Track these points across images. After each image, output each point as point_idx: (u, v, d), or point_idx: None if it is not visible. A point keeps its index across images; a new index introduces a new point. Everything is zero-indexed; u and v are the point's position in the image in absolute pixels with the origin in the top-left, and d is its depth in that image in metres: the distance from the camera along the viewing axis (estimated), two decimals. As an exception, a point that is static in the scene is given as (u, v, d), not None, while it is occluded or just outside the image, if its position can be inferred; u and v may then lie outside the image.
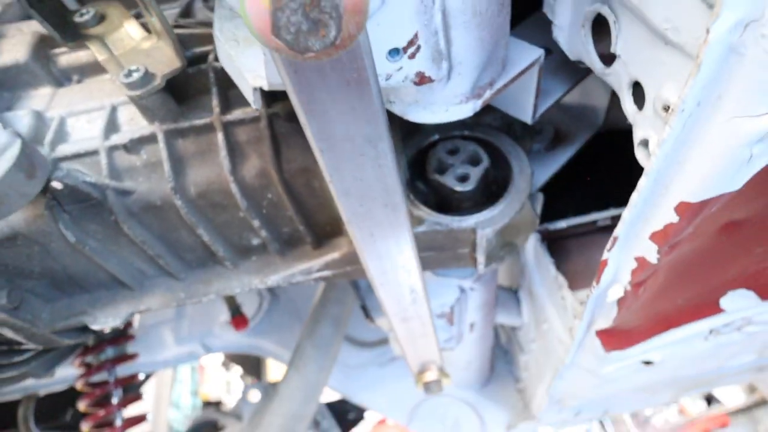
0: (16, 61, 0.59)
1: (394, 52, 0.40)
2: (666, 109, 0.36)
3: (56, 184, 0.52)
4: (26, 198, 0.48)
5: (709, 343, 0.77)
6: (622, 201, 0.81)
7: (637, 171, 0.46)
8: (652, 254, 0.47)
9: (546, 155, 0.78)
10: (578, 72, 0.65)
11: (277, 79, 0.40)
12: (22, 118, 0.57)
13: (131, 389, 1.43)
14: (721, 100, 0.32)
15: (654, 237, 0.45)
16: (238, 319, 1.24)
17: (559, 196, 0.81)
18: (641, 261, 0.49)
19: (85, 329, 0.71)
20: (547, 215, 0.80)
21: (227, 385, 4.09)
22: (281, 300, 1.53)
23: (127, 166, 0.56)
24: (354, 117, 0.34)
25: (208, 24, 0.65)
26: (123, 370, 1.29)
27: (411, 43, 0.39)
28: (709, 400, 3.13)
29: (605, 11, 0.41)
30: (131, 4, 0.65)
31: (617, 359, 0.75)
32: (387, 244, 0.48)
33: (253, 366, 3.18)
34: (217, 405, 3.87)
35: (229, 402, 3.85)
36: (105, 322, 0.65)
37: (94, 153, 0.55)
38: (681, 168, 0.38)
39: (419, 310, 0.63)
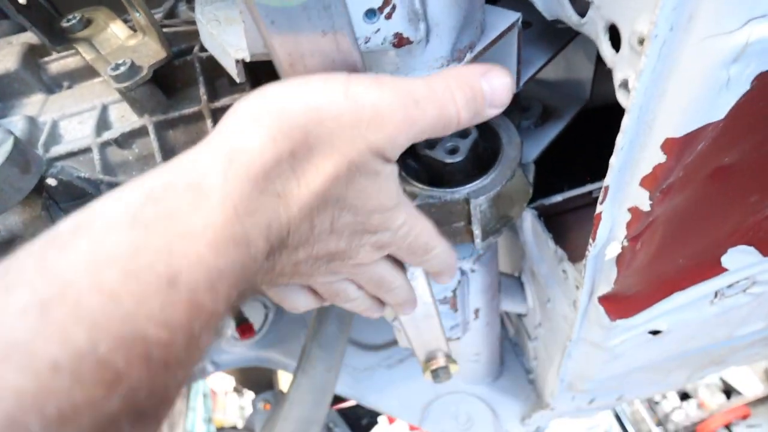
0: (6, 71, 0.60)
1: (371, 14, 0.40)
2: (641, 42, 0.36)
3: (51, 181, 0.53)
4: (21, 193, 0.48)
5: (716, 308, 0.76)
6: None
7: None
8: (644, 202, 0.47)
9: (535, 131, 0.78)
10: (558, 41, 0.66)
11: (258, 47, 0.41)
12: (15, 123, 0.58)
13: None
14: (693, 20, 0.32)
15: (644, 182, 0.45)
16: (243, 327, 1.23)
17: (554, 172, 0.82)
18: (635, 211, 0.49)
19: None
20: (543, 191, 0.80)
21: (240, 411, 4.05)
22: (286, 310, 1.53)
23: (119, 161, 0.57)
24: (333, 69, 0.35)
25: (192, 23, 0.67)
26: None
27: (386, 2, 0.40)
28: (728, 393, 3.08)
29: (575, -41, 0.42)
30: (118, 9, 0.67)
31: (624, 329, 0.74)
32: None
33: (266, 389, 3.15)
34: (232, 430, 3.83)
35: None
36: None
37: (86, 150, 0.56)
38: (661, 101, 0.38)
39: (419, 289, 0.63)
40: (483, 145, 0.64)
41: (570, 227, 0.83)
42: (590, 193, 0.80)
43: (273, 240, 0.32)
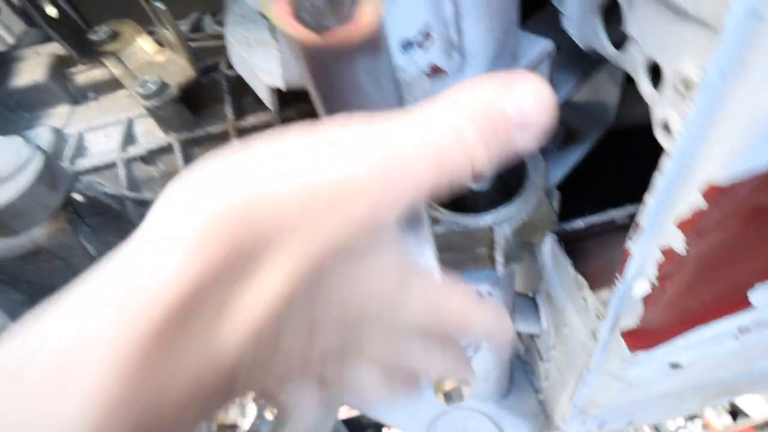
0: (34, 82, 0.60)
1: (408, 45, 0.40)
2: (686, 85, 0.35)
3: (77, 197, 0.53)
4: (48, 209, 0.48)
5: (739, 343, 0.75)
6: (639, 198, 0.80)
7: (653, 167, 0.45)
8: (679, 244, 0.46)
9: (559, 154, 0.77)
10: (587, 67, 0.65)
11: (294, 77, 0.40)
12: (42, 135, 0.58)
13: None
14: (745, 68, 0.31)
15: (681, 225, 0.44)
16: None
17: (575, 196, 0.80)
18: (668, 252, 0.48)
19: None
20: (564, 216, 0.79)
21: (241, 409, 4.05)
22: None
23: (145, 177, 0.56)
24: (371, 103, 0.34)
25: (218, 37, 0.66)
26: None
27: (423, 34, 0.39)
28: (735, 414, 3.03)
29: (616, -5, 0.41)
30: (143, 21, 0.67)
31: (644, 361, 0.73)
32: (407, 243, 0.48)
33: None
34: (232, 428, 3.83)
35: (244, 425, 3.81)
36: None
37: (112, 165, 0.56)
38: (706, 146, 0.37)
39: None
40: (508, 171, 0.63)
41: (590, 253, 0.82)
42: (613, 220, 0.78)
43: (202, 402, 0.23)
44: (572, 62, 0.65)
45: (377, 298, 0.28)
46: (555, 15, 0.54)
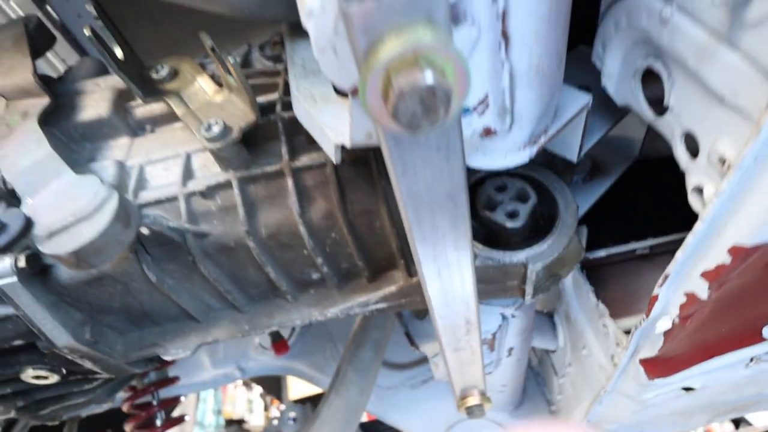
0: (99, 116, 0.64)
1: (466, 112, 0.44)
2: (722, 161, 0.39)
3: (144, 230, 0.57)
4: (123, 246, 0.53)
5: (750, 370, 0.79)
6: (660, 229, 0.84)
7: (674, 199, 0.48)
8: (702, 291, 0.50)
9: (585, 186, 0.81)
10: (620, 110, 0.68)
11: (360, 138, 0.44)
12: (107, 168, 0.62)
13: (170, 411, 1.47)
14: (777, 157, 0.35)
15: (705, 275, 0.48)
16: (279, 344, 1.27)
17: (597, 225, 0.84)
18: (691, 297, 0.52)
19: (152, 359, 0.75)
20: (587, 244, 0.83)
21: (249, 404, 4.12)
22: (313, 324, 1.57)
23: (203, 211, 0.61)
24: (440, 177, 0.38)
25: (268, 73, 0.70)
26: (164, 393, 1.33)
27: (481, 102, 0.43)
28: (737, 422, 3.06)
29: (658, 67, 0.45)
30: (195, 50, 0.71)
31: (659, 386, 0.77)
32: (452, 280, 0.52)
33: (273, 385, 3.21)
34: (239, 423, 3.90)
35: (252, 420, 3.87)
36: (176, 353, 0.69)
37: (173, 199, 0.60)
38: (736, 215, 0.41)
39: (471, 341, 0.66)
40: (540, 208, 0.67)
41: (610, 279, 0.86)
42: (633, 250, 0.82)
43: None
44: (606, 105, 0.69)
45: None
46: (588, 54, 0.57)
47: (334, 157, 0.47)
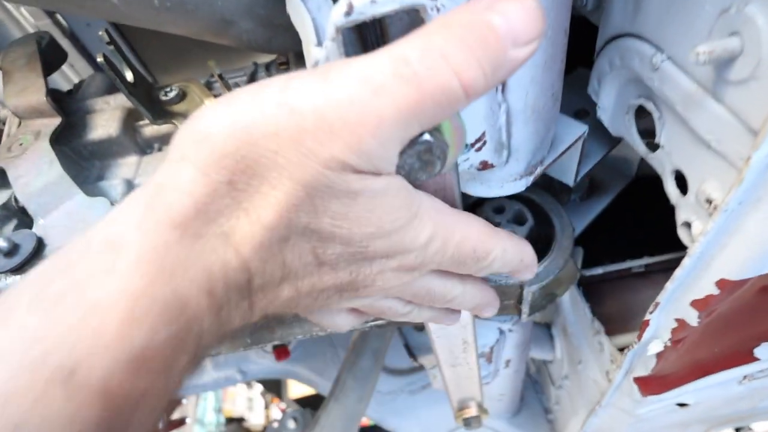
0: (109, 136, 0.66)
1: (464, 148, 0.45)
2: (708, 201, 0.41)
3: (151, 250, 0.59)
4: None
5: (743, 387, 0.80)
6: (655, 248, 0.85)
7: (669, 217, 0.50)
8: (692, 319, 0.52)
9: (582, 205, 0.82)
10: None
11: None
12: (116, 187, 0.64)
13: (169, 413, 1.49)
14: (761, 201, 0.37)
15: (695, 304, 0.50)
16: (280, 350, 1.29)
17: (594, 243, 0.86)
18: (681, 323, 0.54)
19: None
20: (583, 262, 0.85)
21: (249, 402, 4.15)
22: (314, 337, 1.59)
23: (209, 230, 0.62)
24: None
25: (274, 94, 0.72)
26: (168, 397, 1.35)
27: (478, 139, 0.45)
28: (738, 428, 3.07)
29: (650, 107, 0.46)
30: (203, 61, 0.72)
31: (653, 402, 0.78)
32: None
33: (273, 384, 3.24)
34: (239, 421, 3.92)
35: (252, 418, 3.90)
36: (180, 366, 0.71)
37: (179, 218, 0.62)
38: (722, 252, 0.42)
39: (468, 358, 0.68)
40: (537, 230, 0.68)
41: (606, 295, 0.87)
42: (629, 268, 0.84)
43: (221, 291, 0.27)
44: (602, 129, 0.70)
45: (382, 240, 0.30)
46: (586, 78, 0.58)
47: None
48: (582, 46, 0.56)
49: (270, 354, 1.51)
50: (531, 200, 0.71)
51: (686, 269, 0.45)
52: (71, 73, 1.09)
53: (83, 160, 0.68)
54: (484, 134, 0.45)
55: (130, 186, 0.65)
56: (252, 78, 0.77)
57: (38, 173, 0.58)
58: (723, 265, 0.43)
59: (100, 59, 0.56)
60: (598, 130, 0.70)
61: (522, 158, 0.50)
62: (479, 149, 0.46)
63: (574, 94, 0.67)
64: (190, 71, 0.92)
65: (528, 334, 0.93)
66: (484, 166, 0.48)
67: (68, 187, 0.57)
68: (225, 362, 1.59)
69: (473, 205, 0.72)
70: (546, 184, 0.75)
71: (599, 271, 0.83)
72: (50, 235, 0.54)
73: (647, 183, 0.90)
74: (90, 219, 0.54)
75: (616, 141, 0.70)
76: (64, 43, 1.15)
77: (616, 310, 0.84)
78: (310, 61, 0.35)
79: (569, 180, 0.65)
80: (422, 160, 0.31)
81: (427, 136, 0.29)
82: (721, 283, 0.45)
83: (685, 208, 0.45)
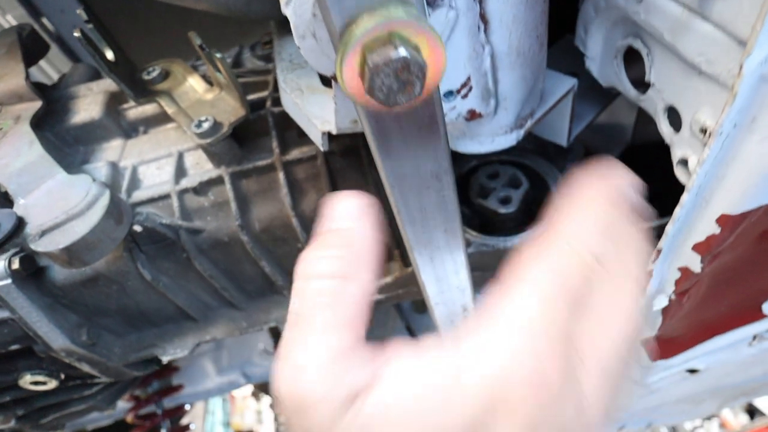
0: (91, 119, 0.65)
1: (449, 95, 0.44)
2: (703, 131, 0.39)
3: (137, 227, 0.58)
4: (115, 242, 0.53)
5: (754, 349, 0.78)
6: (654, 213, 0.84)
7: (666, 182, 0.49)
8: (695, 264, 0.50)
9: (577, 173, 0.81)
10: (607, 95, 0.69)
11: (345, 124, 0.45)
12: (100, 169, 0.63)
13: (175, 420, 1.46)
14: (756, 122, 0.35)
15: (696, 248, 0.48)
16: (281, 346, 1.27)
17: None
18: (685, 271, 0.52)
19: (151, 361, 0.76)
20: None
21: (258, 415, 4.10)
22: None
23: (196, 207, 0.61)
24: (424, 156, 0.39)
25: (259, 72, 0.71)
26: (169, 402, 1.33)
27: (464, 85, 0.44)
28: (752, 413, 3.04)
29: (638, 45, 0.45)
30: (188, 56, 0.72)
31: (662, 368, 0.76)
32: (445, 266, 0.52)
33: (282, 395, 3.19)
34: (248, 435, 3.86)
35: (261, 431, 3.85)
36: (174, 353, 0.69)
37: (166, 197, 0.61)
38: (720, 184, 0.41)
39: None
40: (533, 194, 0.67)
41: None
42: (630, 234, 0.82)
43: None
44: (593, 90, 0.69)
45: None
46: (573, 45, 0.58)
47: (321, 145, 0.47)
48: (568, 12, 0.55)
49: (273, 356, 1.49)
50: (526, 166, 0.70)
51: (686, 207, 0.44)
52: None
53: (67, 146, 0.67)
54: (469, 79, 0.43)
55: (114, 168, 0.64)
56: (237, 60, 0.76)
57: (18, 154, 0.57)
58: (722, 198, 0.42)
59: (77, 34, 0.55)
60: (588, 92, 0.69)
61: (511, 108, 0.49)
62: (465, 96, 0.44)
63: (563, 61, 0.66)
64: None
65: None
66: (472, 115, 0.46)
67: (49, 166, 0.56)
68: (229, 367, 1.57)
69: (467, 174, 0.70)
70: (540, 149, 0.74)
71: (599, 239, 0.81)
72: (31, 214, 0.53)
73: (643, 150, 0.89)
74: (71, 197, 0.53)
75: (607, 101, 0.69)
76: (53, 50, 1.14)
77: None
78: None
79: (562, 140, 0.64)
80: (399, 79, 0.29)
81: (402, 51, 0.28)
82: (722, 220, 0.44)
83: (680, 145, 0.44)
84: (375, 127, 0.35)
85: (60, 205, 0.52)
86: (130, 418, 1.25)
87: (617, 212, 0.27)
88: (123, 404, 1.27)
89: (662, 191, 0.55)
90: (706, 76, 0.38)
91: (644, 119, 0.89)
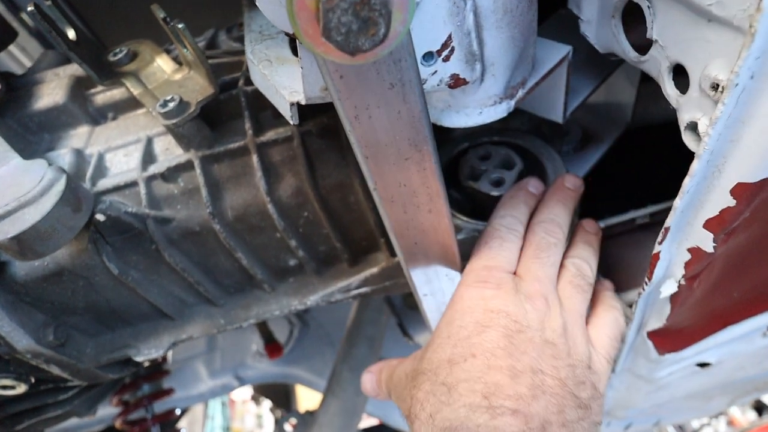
0: (55, 104, 0.61)
1: (429, 56, 0.40)
2: (715, 87, 0.35)
3: (99, 216, 0.53)
4: (73, 231, 0.49)
5: (767, 340, 0.73)
6: (659, 197, 0.79)
7: (671, 165, 0.44)
8: (707, 243, 0.45)
9: (576, 156, 0.77)
10: (605, 68, 0.64)
11: (315, 92, 0.40)
12: (63, 156, 0.59)
13: (168, 426, 1.42)
14: (776, 70, 0.31)
15: (709, 224, 0.44)
16: (272, 347, 1.23)
17: (593, 197, 0.80)
18: (696, 252, 0.47)
19: (126, 363, 0.71)
20: (582, 217, 0.78)
21: (258, 419, 4.06)
22: (311, 326, 1.52)
23: (165, 195, 0.57)
24: (398, 121, 0.34)
25: (234, 53, 0.67)
26: (160, 406, 1.29)
27: (445, 45, 0.39)
28: (760, 409, 2.99)
29: (637, -1, 0.41)
30: (162, 41, 0.67)
31: (671, 362, 0.72)
32: (431, 251, 0.48)
33: (282, 398, 3.15)
34: (249, 439, 3.81)
35: (261, 436, 3.80)
36: (148, 353, 0.65)
37: (133, 184, 0.56)
38: (736, 147, 0.36)
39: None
40: (528, 176, 0.62)
41: (611, 252, 0.81)
42: (633, 219, 0.77)
43: None
44: (589, 64, 0.65)
45: None
46: (569, 18, 0.54)
47: (290, 117, 0.43)
48: None
49: (266, 357, 1.45)
50: (520, 146, 0.65)
51: (696, 177, 0.39)
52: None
53: (30, 134, 0.63)
54: (450, 38, 0.39)
55: (79, 155, 0.59)
56: (212, 42, 0.72)
57: (-31, 140, 0.53)
58: (738, 165, 0.37)
59: (30, 8, 0.51)
60: (584, 66, 0.64)
61: (500, 75, 0.45)
62: (447, 58, 0.40)
63: (556, 37, 0.61)
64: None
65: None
66: (456, 81, 0.42)
67: (4, 152, 0.52)
68: (221, 370, 1.53)
69: (458, 156, 0.66)
70: (535, 129, 0.69)
71: (601, 225, 0.76)
72: (-18, 202, 0.48)
73: (645, 133, 0.84)
74: (24, 184, 0.49)
75: (605, 75, 0.64)
76: (33, 45, 1.10)
77: (624, 266, 0.78)
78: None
79: (557, 116, 0.59)
80: (360, 17, 0.25)
81: (360, -20, 0.24)
82: (738, 190, 0.39)
83: (687, 107, 0.39)
84: (340, 85, 0.31)
85: (11, 192, 0.48)
86: (118, 424, 1.21)
87: None
88: (112, 409, 1.23)
89: (668, 174, 0.51)
90: (717, 23, 0.33)
91: (645, 99, 0.84)
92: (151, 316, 0.66)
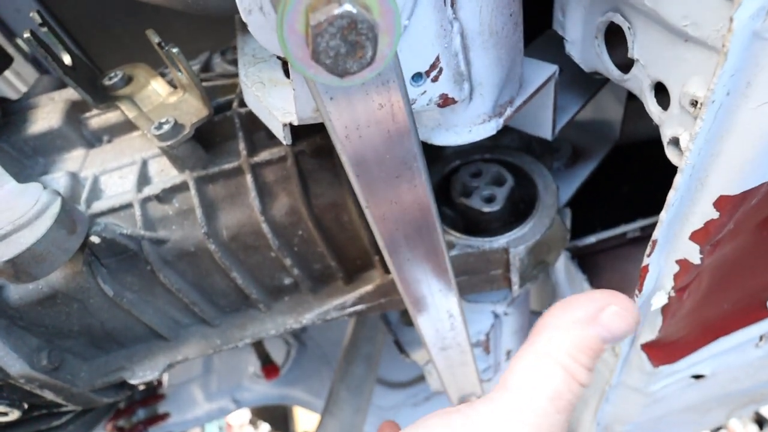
0: (50, 128, 0.62)
1: (418, 77, 0.41)
2: (694, 104, 0.36)
3: (94, 239, 0.54)
4: (68, 253, 0.49)
5: (761, 351, 0.74)
6: (649, 211, 0.81)
7: (661, 180, 0.46)
8: (694, 255, 0.46)
9: (566, 173, 0.78)
10: (591, 86, 0.66)
11: (307, 113, 0.41)
12: (58, 180, 0.59)
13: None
14: (750, 87, 0.32)
15: (695, 236, 0.44)
16: (269, 368, 1.22)
17: (585, 213, 0.81)
18: (683, 263, 0.48)
19: (122, 386, 0.71)
20: (575, 232, 0.79)
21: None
22: (308, 346, 1.51)
23: (160, 216, 0.57)
24: (388, 140, 0.35)
25: (228, 75, 0.68)
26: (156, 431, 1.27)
27: (433, 66, 0.40)
28: (761, 423, 2.96)
29: (618, 19, 0.42)
30: (156, 64, 0.69)
31: (666, 375, 0.72)
32: (423, 267, 0.48)
33: (280, 421, 3.10)
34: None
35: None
36: (143, 375, 0.64)
37: (128, 206, 0.57)
38: (716, 160, 0.38)
39: (458, 337, 0.62)
40: (519, 192, 0.63)
41: (603, 267, 0.82)
42: (624, 234, 0.78)
43: None
44: (576, 83, 0.66)
45: None
46: (555, 38, 0.55)
47: (284, 138, 0.44)
48: (549, 8, 0.52)
49: (263, 379, 1.43)
50: (510, 163, 0.66)
51: (680, 190, 0.40)
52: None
53: (26, 158, 0.63)
54: (438, 59, 0.40)
55: (74, 178, 0.60)
56: (207, 65, 0.73)
57: (-35, 165, 0.53)
58: (719, 177, 0.38)
59: (26, 34, 0.52)
60: (572, 84, 0.66)
61: (487, 94, 0.46)
62: (436, 79, 0.41)
63: (543, 57, 0.63)
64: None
65: (526, 320, 0.87)
66: (445, 101, 0.43)
67: (-1, 176, 0.52)
68: (218, 392, 1.51)
69: (450, 173, 0.67)
70: (525, 147, 0.71)
71: (593, 240, 0.78)
72: (-23, 226, 0.49)
73: (634, 149, 0.86)
74: (19, 207, 0.49)
75: (592, 92, 0.66)
76: (28, 70, 1.12)
77: (616, 280, 0.79)
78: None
79: (546, 133, 0.60)
80: (347, 40, 0.26)
81: (348, 6, 0.25)
82: (721, 202, 0.40)
83: (669, 123, 0.40)
84: (329, 105, 0.32)
85: (6, 216, 0.48)
86: (112, 450, 1.19)
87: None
88: (106, 435, 1.21)
89: (657, 188, 0.52)
90: (692, 42, 0.35)
91: (632, 116, 0.86)
92: (146, 338, 0.66)
